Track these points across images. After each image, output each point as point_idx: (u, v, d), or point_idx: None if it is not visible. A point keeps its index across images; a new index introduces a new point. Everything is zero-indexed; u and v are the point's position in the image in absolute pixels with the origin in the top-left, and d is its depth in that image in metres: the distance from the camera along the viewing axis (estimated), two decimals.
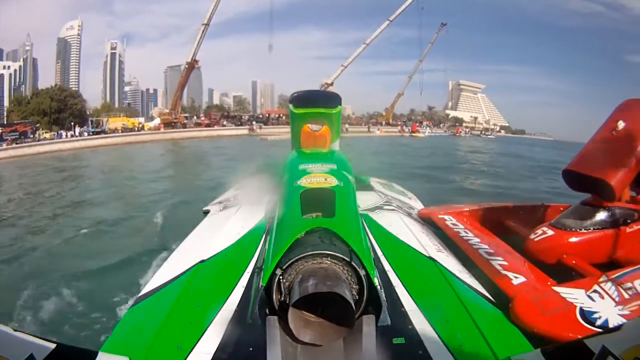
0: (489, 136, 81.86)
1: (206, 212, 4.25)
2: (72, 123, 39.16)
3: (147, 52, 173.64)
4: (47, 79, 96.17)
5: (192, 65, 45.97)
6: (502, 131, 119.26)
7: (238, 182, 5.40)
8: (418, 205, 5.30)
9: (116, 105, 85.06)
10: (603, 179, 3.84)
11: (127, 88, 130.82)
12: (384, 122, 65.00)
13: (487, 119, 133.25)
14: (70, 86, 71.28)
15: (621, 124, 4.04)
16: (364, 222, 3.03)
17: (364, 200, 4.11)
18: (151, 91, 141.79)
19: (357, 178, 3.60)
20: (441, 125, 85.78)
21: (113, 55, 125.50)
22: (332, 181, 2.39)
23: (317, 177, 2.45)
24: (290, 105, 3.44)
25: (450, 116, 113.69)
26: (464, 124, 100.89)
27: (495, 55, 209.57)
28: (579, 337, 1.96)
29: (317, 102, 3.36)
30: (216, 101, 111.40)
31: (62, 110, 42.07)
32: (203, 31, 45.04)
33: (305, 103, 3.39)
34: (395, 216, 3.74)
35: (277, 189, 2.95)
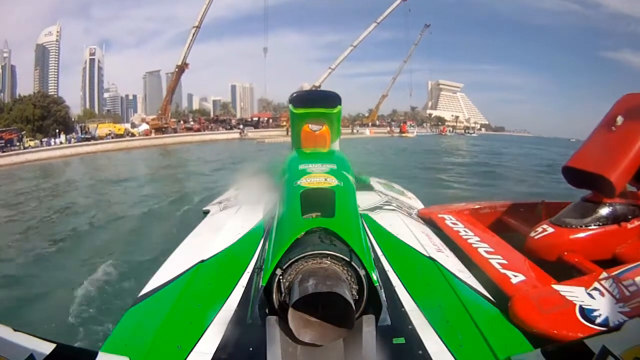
0: (473, 134, 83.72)
1: (206, 212, 4.25)
2: (57, 130, 37.18)
3: (124, 58, 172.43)
4: (26, 86, 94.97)
5: (182, 69, 44.64)
6: (483, 129, 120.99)
7: (238, 182, 5.40)
8: (418, 205, 5.30)
9: (96, 111, 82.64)
10: (603, 175, 3.83)
11: (106, 94, 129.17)
12: (370, 124, 65.13)
13: (467, 118, 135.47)
14: (50, 93, 68.86)
15: (620, 119, 4.02)
16: (364, 222, 3.02)
17: (364, 200, 4.11)
18: (130, 97, 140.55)
19: (357, 178, 3.60)
20: (424, 125, 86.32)
21: (92, 61, 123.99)
22: (332, 181, 2.39)
23: (317, 177, 2.45)
24: (290, 105, 3.44)
25: (432, 116, 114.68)
26: (446, 123, 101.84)
27: (473, 55, 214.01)
28: (579, 335, 1.95)
29: (317, 102, 3.36)
30: (195, 106, 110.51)
31: (45, 117, 40.06)
32: (194, 34, 44.09)
33: (305, 103, 3.39)
34: (395, 216, 3.74)
35: (277, 189, 2.95)
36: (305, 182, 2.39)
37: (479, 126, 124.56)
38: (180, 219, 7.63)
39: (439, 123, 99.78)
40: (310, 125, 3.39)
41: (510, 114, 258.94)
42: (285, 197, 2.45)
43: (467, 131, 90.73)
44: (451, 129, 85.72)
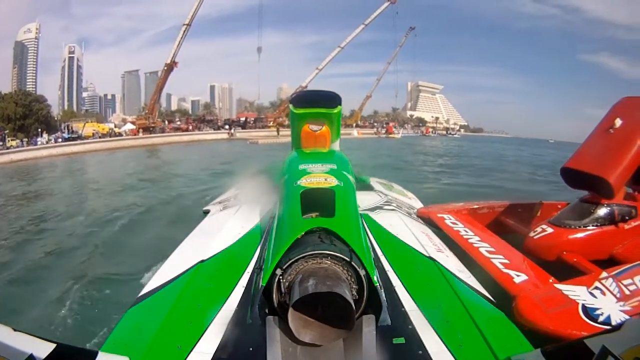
0: (455, 135, 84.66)
1: (206, 212, 4.24)
2: (39, 129, 35.80)
3: (103, 57, 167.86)
4: (3, 84, 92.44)
5: (171, 67, 43.13)
6: (462, 130, 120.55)
7: (238, 183, 5.39)
8: (418, 205, 5.31)
9: (75, 111, 79.33)
10: (602, 177, 3.86)
11: (84, 94, 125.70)
12: (354, 124, 64.73)
13: (446, 119, 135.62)
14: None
15: (618, 122, 4.05)
16: (364, 222, 3.03)
17: (364, 200, 4.11)
18: (109, 97, 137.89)
19: (357, 178, 3.59)
20: (405, 126, 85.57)
21: (71, 59, 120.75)
22: (332, 181, 2.39)
23: (317, 177, 2.45)
24: (290, 106, 3.43)
25: (414, 117, 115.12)
26: (427, 124, 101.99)
27: (452, 57, 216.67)
28: (583, 334, 1.97)
29: (317, 102, 3.35)
30: (174, 106, 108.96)
31: (27, 116, 38.35)
32: (184, 31, 42.64)
33: (305, 103, 3.38)
34: (395, 216, 3.75)
35: (276, 189, 2.95)
36: (305, 182, 2.39)
37: (458, 127, 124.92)
38: None
39: (420, 124, 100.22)
40: (310, 125, 3.38)
41: (488, 116, 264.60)
42: (285, 197, 2.45)
43: (449, 132, 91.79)
44: (433, 130, 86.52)
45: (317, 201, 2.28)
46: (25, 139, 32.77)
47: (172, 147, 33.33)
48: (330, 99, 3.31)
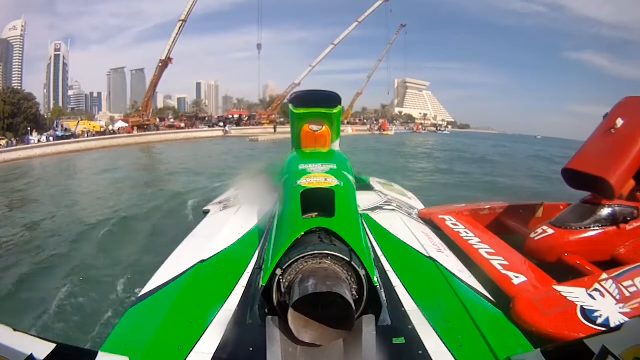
0: (444, 132, 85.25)
1: (206, 212, 4.25)
2: (29, 128, 35.11)
3: (88, 55, 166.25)
4: None
5: (166, 63, 42.89)
6: (450, 126, 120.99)
7: (238, 183, 5.40)
8: (418, 205, 5.31)
9: (62, 109, 77.63)
10: (603, 178, 3.84)
11: (70, 92, 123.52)
12: (345, 121, 64.34)
13: (434, 116, 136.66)
14: None
15: (620, 122, 4.03)
16: (364, 222, 3.03)
17: (364, 200, 4.11)
18: (95, 95, 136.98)
19: (357, 178, 3.59)
20: (394, 123, 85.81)
21: (57, 57, 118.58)
22: (332, 181, 2.39)
23: (317, 177, 2.45)
24: (290, 105, 3.43)
25: (403, 114, 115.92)
26: (416, 121, 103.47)
27: (439, 54, 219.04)
28: (580, 336, 1.97)
29: (317, 102, 3.35)
30: (160, 103, 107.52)
31: (15, 114, 37.26)
32: (180, 27, 42.72)
33: (305, 103, 3.38)
34: (395, 216, 3.74)
35: (277, 189, 2.95)
36: (305, 182, 2.39)
37: (446, 124, 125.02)
38: None
39: (409, 121, 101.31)
40: (310, 125, 3.38)
41: (474, 112, 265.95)
42: (285, 197, 2.45)
43: (438, 129, 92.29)
44: (422, 127, 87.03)
45: (317, 201, 2.28)
46: (15, 139, 32.06)
47: (171, 145, 32.90)
48: (330, 99, 3.31)
